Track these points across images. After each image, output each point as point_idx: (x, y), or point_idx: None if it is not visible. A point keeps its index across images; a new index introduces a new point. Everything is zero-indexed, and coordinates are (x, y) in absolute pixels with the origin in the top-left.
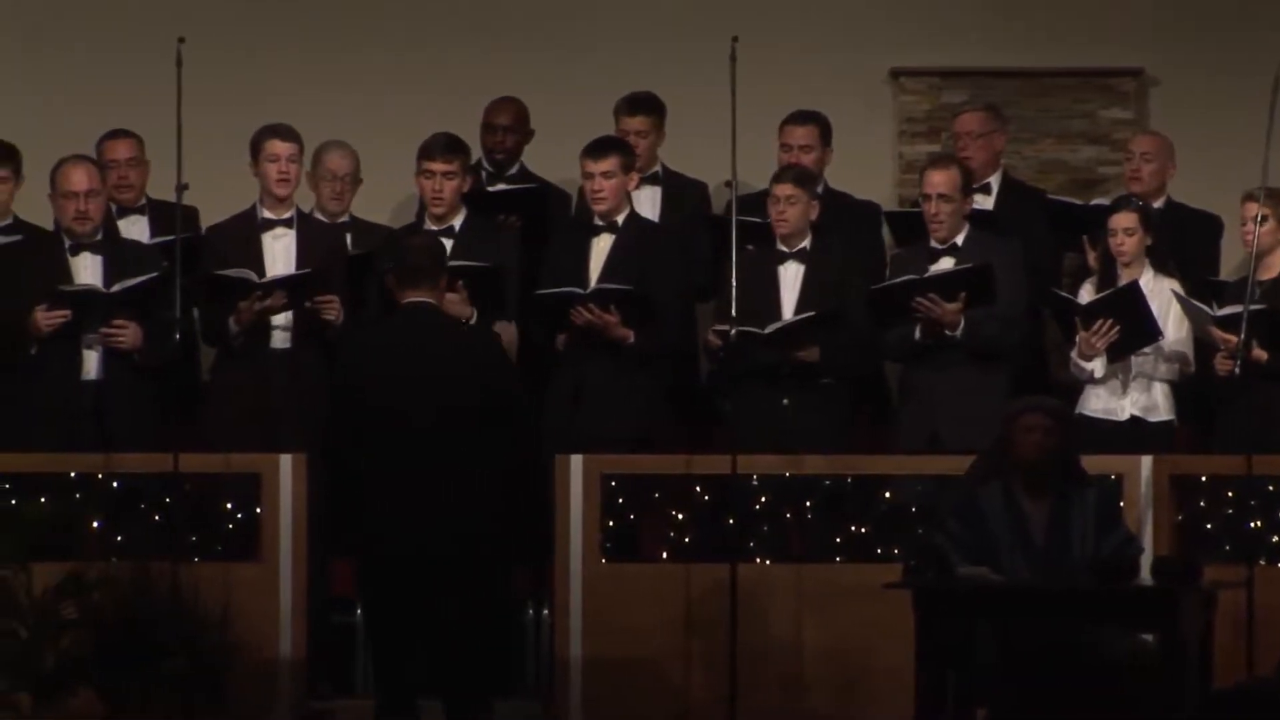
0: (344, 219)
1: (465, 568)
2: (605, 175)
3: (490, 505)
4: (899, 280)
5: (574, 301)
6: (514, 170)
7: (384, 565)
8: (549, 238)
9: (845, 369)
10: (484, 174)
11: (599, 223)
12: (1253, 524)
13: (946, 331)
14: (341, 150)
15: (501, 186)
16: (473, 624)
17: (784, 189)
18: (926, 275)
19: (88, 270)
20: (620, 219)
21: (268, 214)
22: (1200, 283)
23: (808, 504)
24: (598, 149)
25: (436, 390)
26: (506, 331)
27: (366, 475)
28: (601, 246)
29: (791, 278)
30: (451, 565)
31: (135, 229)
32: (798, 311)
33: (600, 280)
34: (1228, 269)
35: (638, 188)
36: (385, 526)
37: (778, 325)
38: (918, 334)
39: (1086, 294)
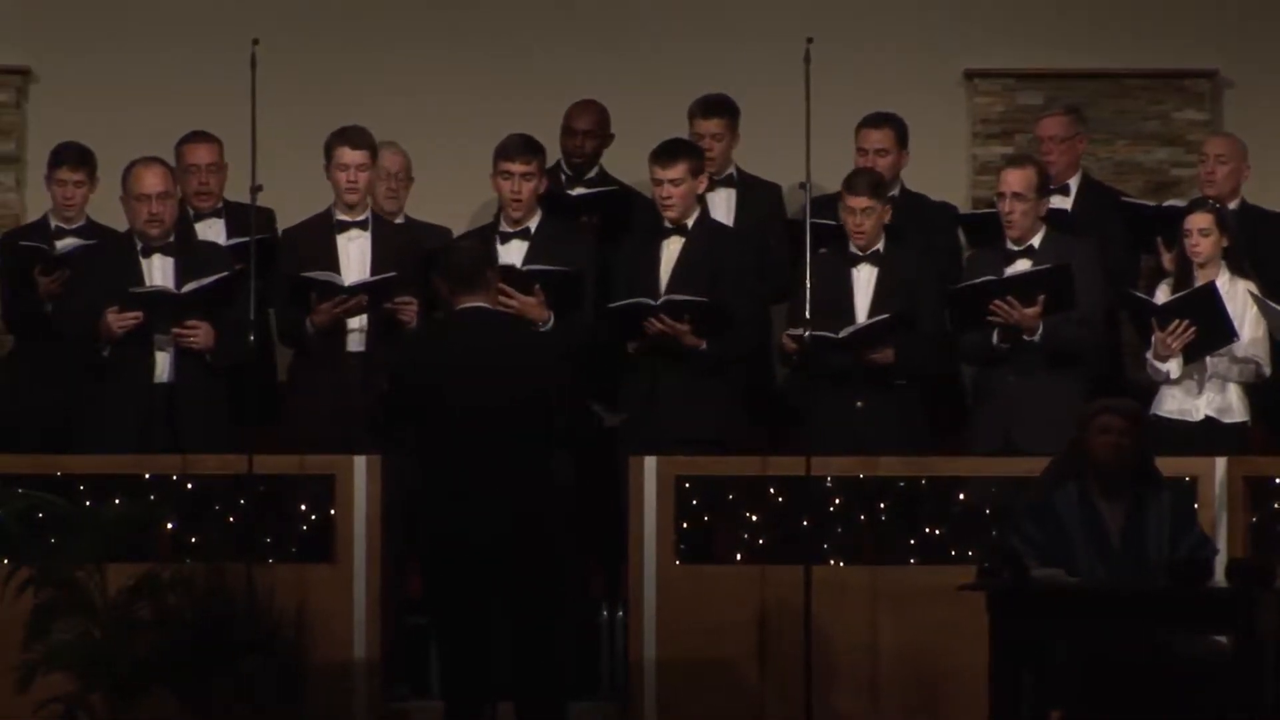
0: (399, 219)
1: (529, 566)
2: (674, 182)
3: (553, 502)
4: (977, 281)
5: (646, 312)
6: (593, 174)
7: (447, 565)
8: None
9: (920, 371)
10: (562, 177)
11: (669, 225)
12: None
13: (1025, 336)
14: (392, 149)
15: (580, 190)
16: (545, 625)
17: (859, 200)
18: (1005, 276)
19: (159, 272)
20: (690, 222)
21: (342, 216)
22: (1276, 284)
23: (882, 506)
24: (666, 155)
25: (495, 391)
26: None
27: (427, 475)
28: (672, 250)
29: (865, 280)
30: (514, 564)
31: (211, 231)
32: (871, 314)
33: (671, 284)
34: None
35: (712, 190)
36: (446, 526)
37: (852, 328)
38: (995, 338)
39: (1162, 295)
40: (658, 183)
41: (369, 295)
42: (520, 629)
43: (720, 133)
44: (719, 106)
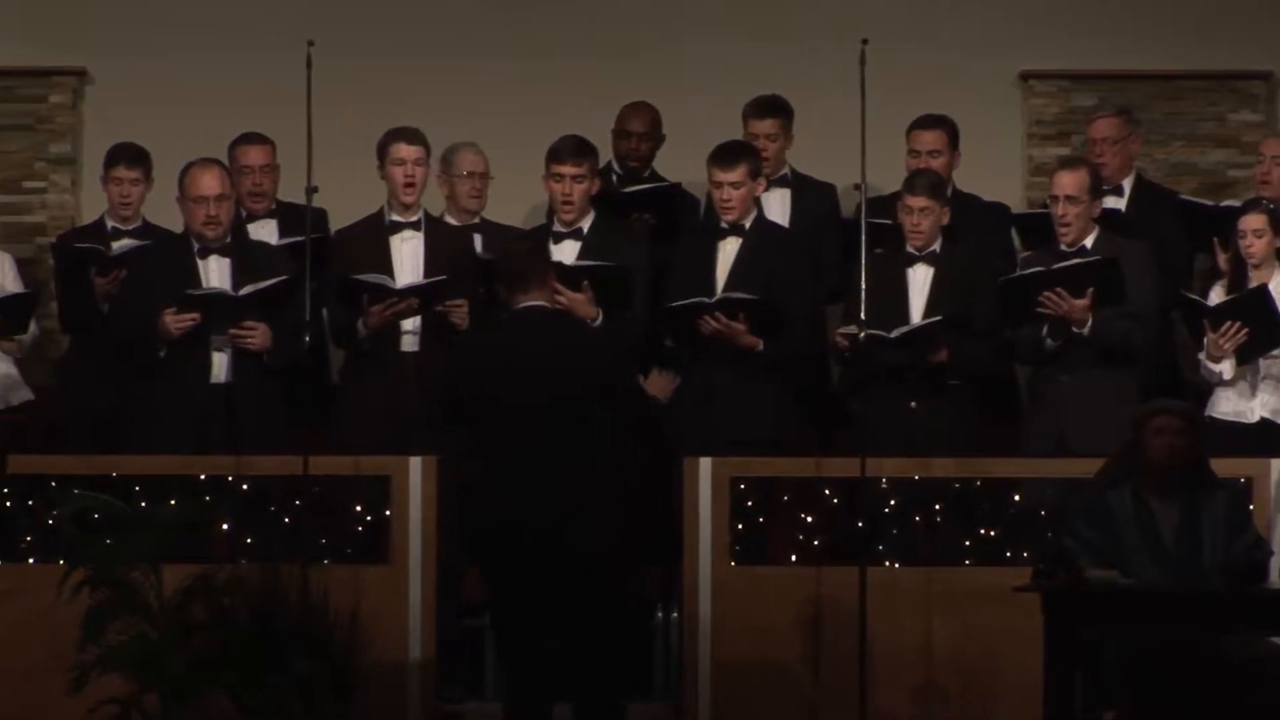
0: (478, 219)
1: (589, 566)
2: (733, 185)
3: (613, 503)
4: (1026, 273)
5: (701, 310)
6: (646, 175)
7: (507, 565)
8: (678, 239)
9: (974, 371)
10: (615, 178)
11: (725, 226)
12: None
13: (1074, 329)
14: (473, 149)
15: (634, 188)
16: (603, 626)
17: (917, 200)
18: (1053, 268)
19: (216, 273)
20: (747, 223)
21: (396, 217)
22: None
23: (937, 507)
24: (726, 157)
25: (555, 389)
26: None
27: (484, 476)
28: (728, 251)
29: (920, 281)
30: (573, 563)
31: (264, 232)
32: (926, 314)
33: (728, 285)
34: None
35: (767, 190)
36: (505, 526)
37: (904, 329)
38: (1046, 333)
39: (1217, 295)
40: (717, 185)
41: (420, 298)
42: (578, 629)
43: (774, 133)
44: (773, 107)
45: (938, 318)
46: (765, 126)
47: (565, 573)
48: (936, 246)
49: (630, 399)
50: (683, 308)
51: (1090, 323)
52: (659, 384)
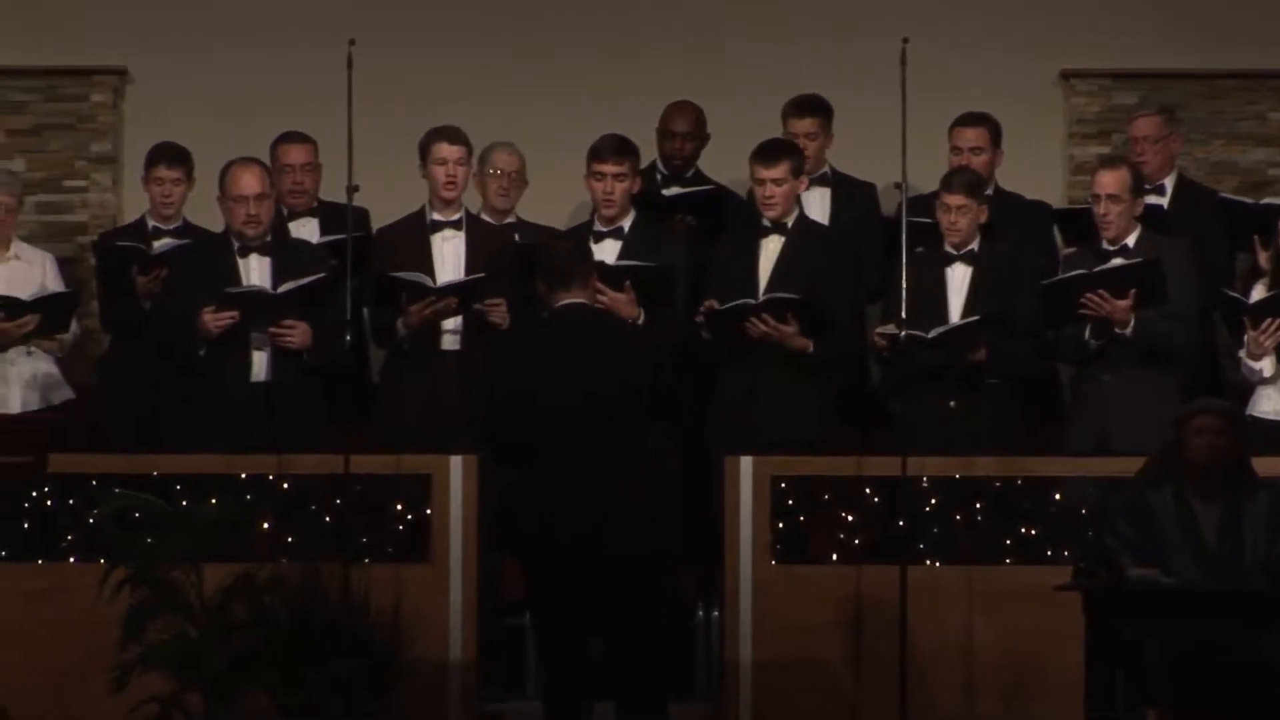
0: (510, 219)
1: (632, 565)
2: (776, 182)
3: (651, 503)
4: (1068, 275)
5: (748, 312)
6: (690, 175)
7: (549, 564)
8: (720, 238)
9: (1015, 370)
10: (659, 177)
11: (767, 224)
12: None
13: (1116, 330)
14: (508, 149)
15: (676, 190)
16: (645, 624)
17: (955, 199)
18: (1095, 270)
19: (256, 272)
20: (790, 221)
21: (437, 216)
22: None
23: (978, 506)
24: (769, 154)
25: (596, 387)
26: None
27: (527, 475)
28: (771, 249)
29: (959, 280)
30: (617, 563)
31: (305, 231)
32: (964, 313)
33: (770, 284)
34: None
35: (808, 189)
36: (548, 525)
37: (942, 329)
38: (1088, 334)
39: (1258, 294)
40: (760, 182)
41: (458, 296)
42: (621, 629)
43: (814, 132)
44: (812, 106)
45: (975, 318)
46: (805, 126)
47: (605, 572)
48: (975, 245)
49: (669, 394)
50: (728, 310)
51: (1132, 324)
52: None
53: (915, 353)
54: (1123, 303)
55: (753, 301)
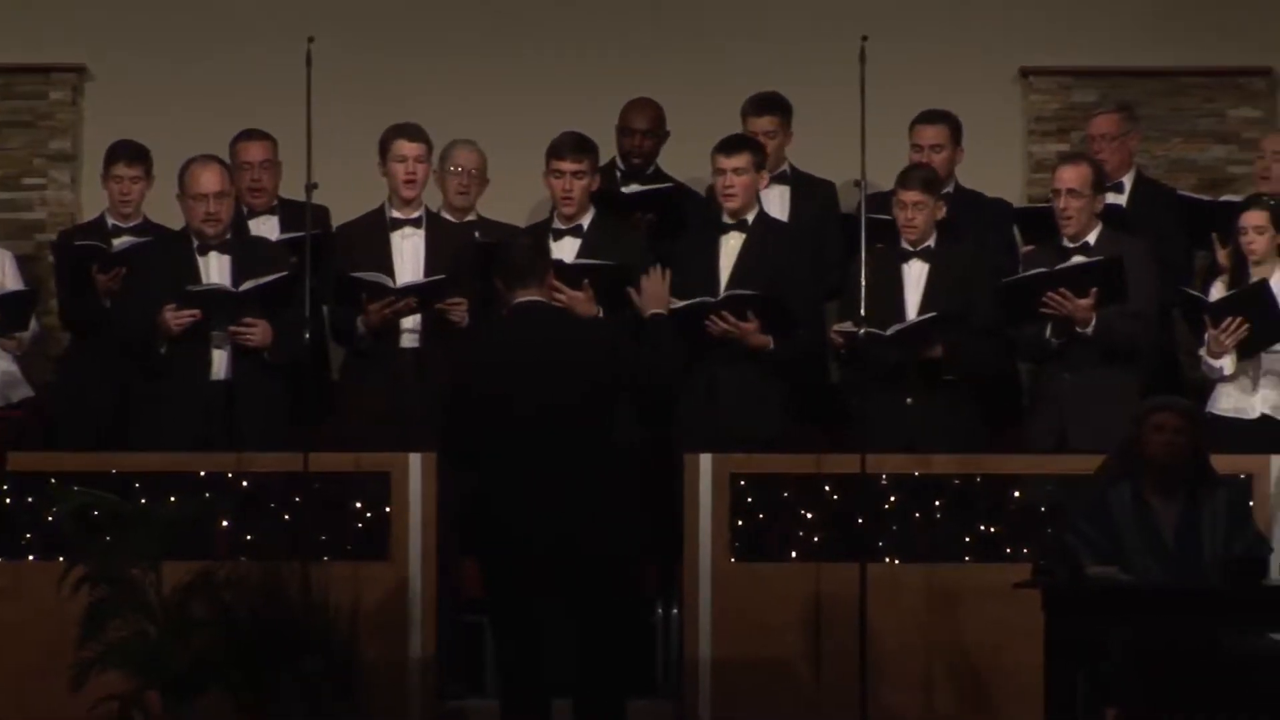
0: (470, 216)
1: (590, 564)
2: (737, 172)
3: (622, 502)
4: (1029, 274)
5: (708, 310)
6: (649, 172)
7: (506, 563)
8: (680, 235)
9: (974, 368)
10: (618, 174)
11: (728, 221)
12: None
13: (1078, 329)
14: (469, 147)
15: (635, 187)
16: (607, 623)
17: (911, 195)
18: (1056, 269)
19: (216, 270)
20: (750, 218)
21: (396, 214)
22: None
23: (937, 504)
24: (730, 145)
25: (553, 385)
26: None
27: (489, 475)
28: (731, 246)
29: (916, 276)
30: (576, 561)
31: (265, 228)
32: (921, 310)
33: (731, 281)
34: None
35: (766, 187)
36: (509, 524)
37: (899, 327)
38: (1049, 332)
39: (1217, 291)
40: (720, 172)
41: (418, 296)
42: (583, 627)
43: (773, 130)
44: (771, 104)
45: (931, 314)
46: (763, 124)
47: (564, 570)
48: (932, 242)
49: (641, 377)
50: (688, 308)
51: (1094, 322)
52: (653, 290)
53: (872, 350)
54: (1084, 301)
55: (712, 300)
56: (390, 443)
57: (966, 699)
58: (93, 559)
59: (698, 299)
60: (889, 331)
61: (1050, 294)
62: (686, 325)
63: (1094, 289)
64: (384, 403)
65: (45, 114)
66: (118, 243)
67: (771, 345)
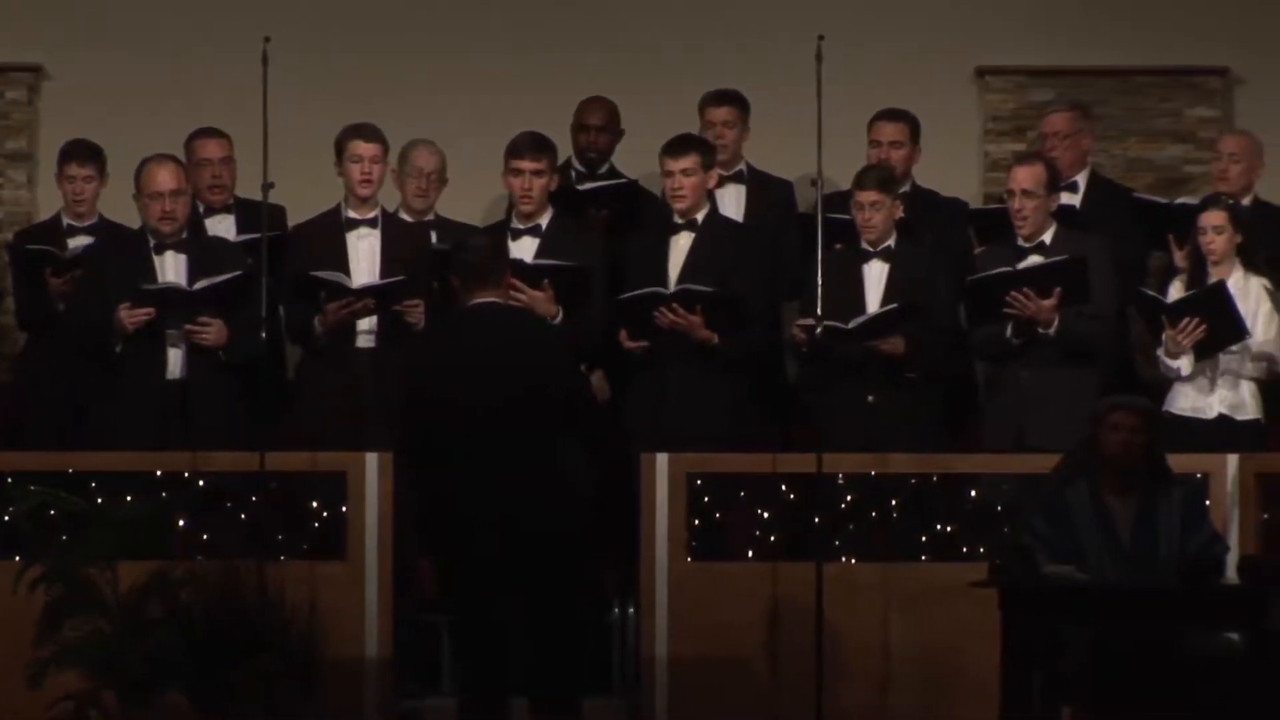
0: (429, 217)
1: (544, 564)
2: (685, 173)
3: (566, 502)
4: (994, 273)
5: (658, 302)
6: (604, 169)
7: (465, 563)
8: (633, 233)
9: (933, 367)
10: (573, 173)
11: (679, 221)
12: None
13: (1040, 329)
14: (428, 148)
15: (591, 184)
16: (561, 623)
17: (868, 195)
18: (1020, 268)
19: (172, 268)
20: (700, 217)
21: (352, 214)
22: None
23: (893, 503)
24: (677, 146)
25: (510, 387)
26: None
27: (442, 476)
28: (681, 245)
29: (876, 276)
30: (530, 562)
31: (222, 228)
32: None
33: (680, 279)
34: None
35: (721, 186)
36: (466, 524)
37: (861, 319)
38: (1010, 332)
39: (1176, 292)
40: (668, 174)
41: (376, 298)
42: (537, 627)
43: (731, 121)
44: (729, 96)
45: (892, 306)
46: (722, 114)
47: (519, 562)
48: (891, 242)
49: (575, 402)
50: (639, 298)
51: (1056, 322)
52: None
53: (833, 344)
54: (1048, 302)
55: (665, 290)
56: (347, 442)
57: (923, 698)
58: (49, 558)
59: (650, 289)
60: (851, 324)
61: (1014, 293)
62: (636, 316)
63: (1057, 289)
64: (340, 402)
65: (1, 113)
66: (73, 242)
67: (715, 341)
